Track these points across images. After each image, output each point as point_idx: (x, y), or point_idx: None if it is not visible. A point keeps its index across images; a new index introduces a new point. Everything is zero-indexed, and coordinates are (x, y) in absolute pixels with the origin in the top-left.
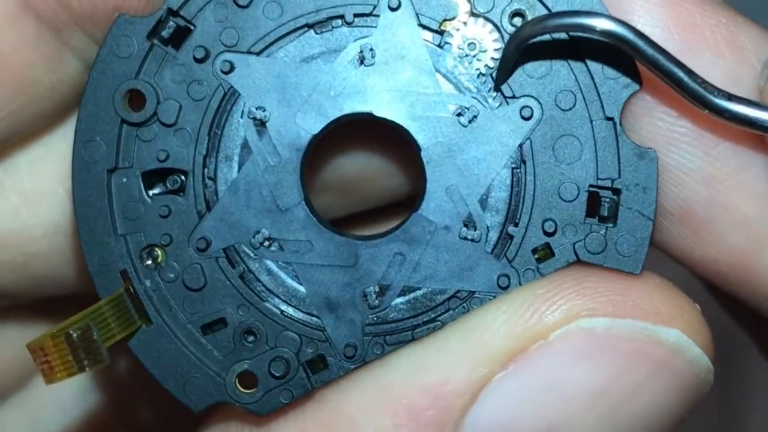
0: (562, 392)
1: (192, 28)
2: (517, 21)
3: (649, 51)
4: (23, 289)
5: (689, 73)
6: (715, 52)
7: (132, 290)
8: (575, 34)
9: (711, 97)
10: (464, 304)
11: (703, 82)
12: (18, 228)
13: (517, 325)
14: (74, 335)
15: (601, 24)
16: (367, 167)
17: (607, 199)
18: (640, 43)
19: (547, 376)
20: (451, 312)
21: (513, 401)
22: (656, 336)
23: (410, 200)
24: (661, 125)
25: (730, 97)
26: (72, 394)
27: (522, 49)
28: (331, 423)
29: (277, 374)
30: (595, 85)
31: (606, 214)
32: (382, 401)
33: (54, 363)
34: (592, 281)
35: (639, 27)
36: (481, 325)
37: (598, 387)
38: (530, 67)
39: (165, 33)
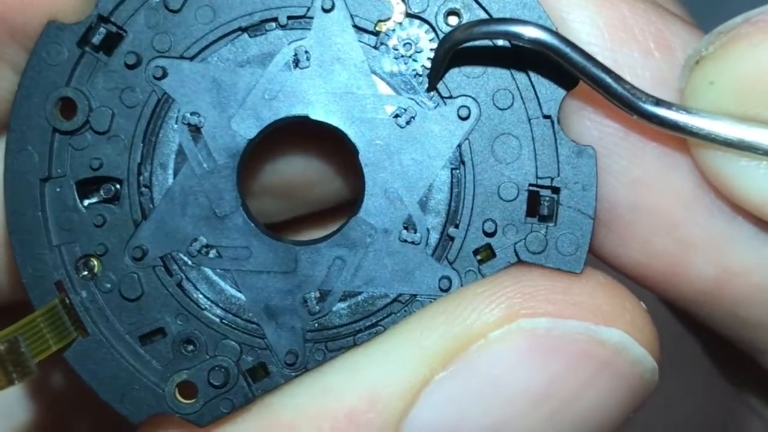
0: (504, 393)
1: (123, 34)
2: (453, 20)
3: (576, 58)
4: None
5: (617, 78)
6: (644, 52)
7: (67, 301)
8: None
9: (639, 102)
10: (406, 308)
11: (632, 88)
12: None
13: (455, 324)
14: (1, 348)
15: (529, 32)
16: (307, 171)
17: (547, 198)
18: (567, 50)
19: (488, 376)
20: (392, 316)
21: (453, 402)
22: (598, 336)
23: (352, 204)
24: (589, 124)
25: (658, 102)
26: (16, 400)
27: (455, 52)
28: (271, 429)
29: (216, 383)
30: (532, 83)
31: (546, 213)
32: (322, 406)
33: None
34: (532, 279)
35: (570, 24)
36: (420, 326)
37: (540, 388)
38: (467, 66)
39: (96, 39)
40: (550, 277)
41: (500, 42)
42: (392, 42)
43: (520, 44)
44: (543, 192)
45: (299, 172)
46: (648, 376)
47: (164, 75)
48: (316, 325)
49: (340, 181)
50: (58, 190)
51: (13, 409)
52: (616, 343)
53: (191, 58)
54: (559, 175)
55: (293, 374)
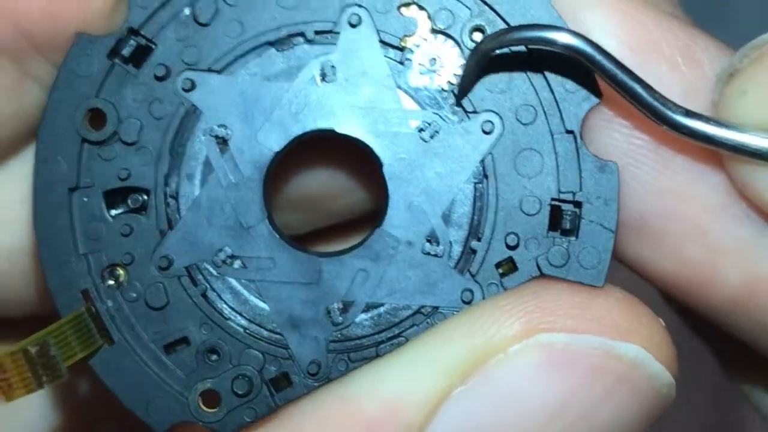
0: (521, 407)
1: (153, 46)
2: (477, 36)
3: (608, 65)
4: None
5: (648, 88)
6: (671, 65)
7: (93, 309)
8: (535, 47)
9: (669, 113)
10: (428, 320)
11: (662, 98)
12: None
13: (476, 337)
14: (32, 351)
15: (562, 38)
16: (330, 184)
17: (569, 212)
18: (599, 57)
19: (506, 390)
20: (415, 328)
21: (472, 416)
22: (615, 351)
23: (374, 215)
24: (618, 137)
25: (688, 113)
26: (39, 410)
27: (482, 65)
28: None
29: (240, 392)
30: (555, 98)
31: (568, 227)
32: (343, 416)
33: (13, 380)
34: (552, 294)
35: (595, 40)
36: (442, 338)
37: (557, 403)
38: (490, 81)
39: (126, 52)
40: (570, 292)
41: (525, 58)
42: (417, 57)
43: (552, 50)
44: (565, 206)
45: (323, 184)
46: (665, 391)
47: (192, 87)
48: (339, 335)
49: (362, 194)
50: (85, 199)
51: (37, 417)
52: (633, 358)
53: (219, 71)
54: (581, 190)
55: (316, 384)
